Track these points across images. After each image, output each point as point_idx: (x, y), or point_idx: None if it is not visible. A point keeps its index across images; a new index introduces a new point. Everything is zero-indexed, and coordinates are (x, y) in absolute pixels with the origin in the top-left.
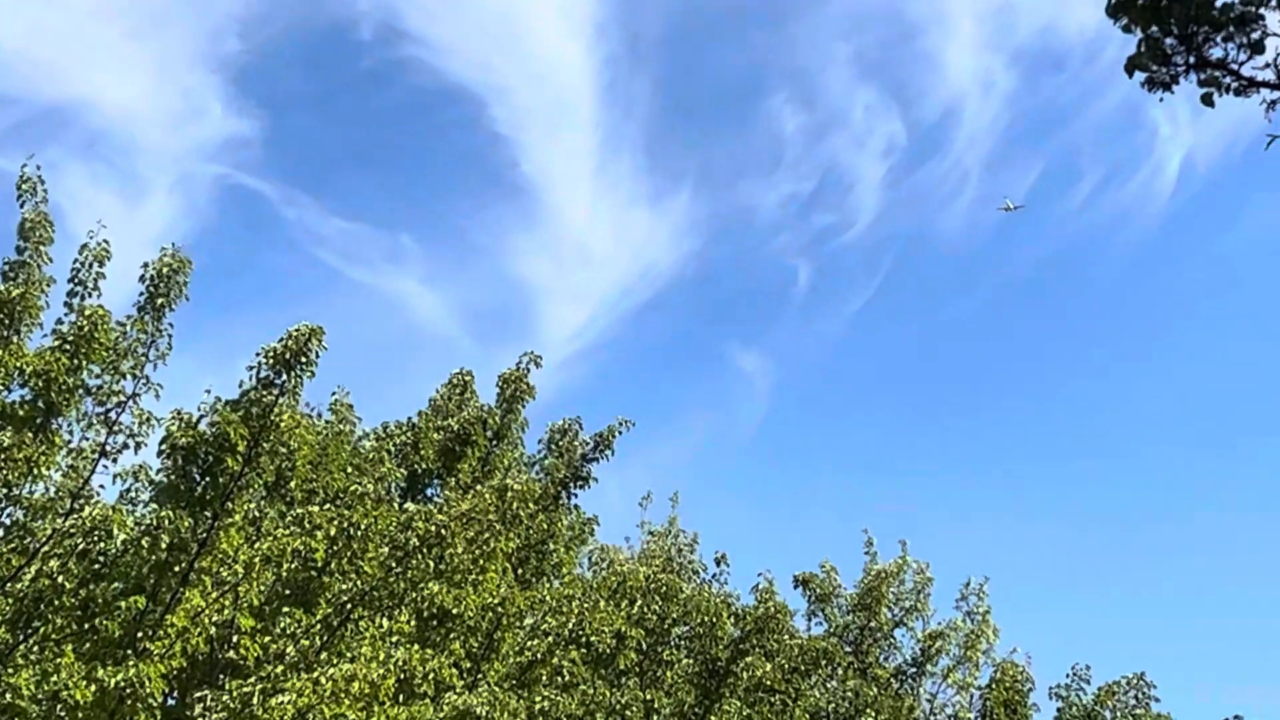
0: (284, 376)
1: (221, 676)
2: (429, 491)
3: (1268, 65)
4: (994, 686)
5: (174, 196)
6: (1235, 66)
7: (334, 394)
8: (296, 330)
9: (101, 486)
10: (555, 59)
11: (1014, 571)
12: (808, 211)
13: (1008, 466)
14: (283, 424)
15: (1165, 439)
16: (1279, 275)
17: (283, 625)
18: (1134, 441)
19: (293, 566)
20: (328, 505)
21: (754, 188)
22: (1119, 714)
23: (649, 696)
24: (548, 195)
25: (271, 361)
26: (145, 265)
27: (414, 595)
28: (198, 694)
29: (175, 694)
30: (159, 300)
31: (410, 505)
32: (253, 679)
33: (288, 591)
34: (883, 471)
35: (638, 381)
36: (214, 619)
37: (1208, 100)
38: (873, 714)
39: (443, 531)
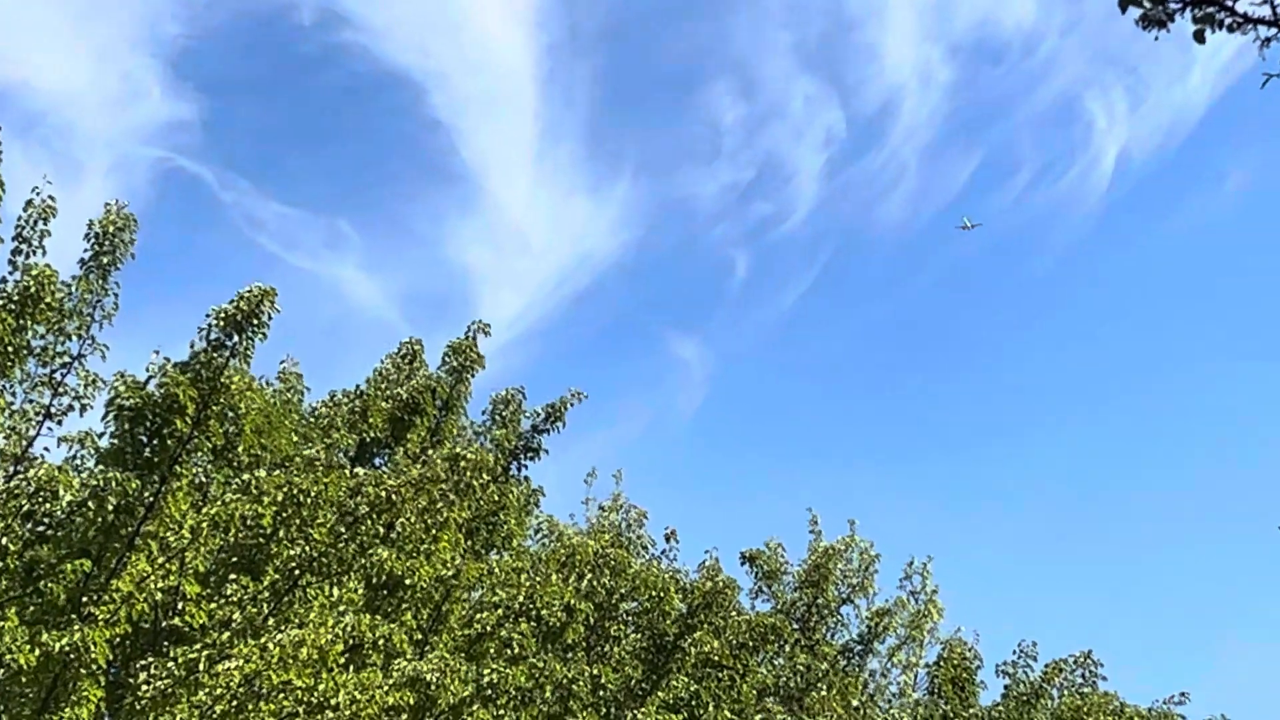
0: (235, 338)
1: (166, 644)
2: (377, 461)
3: (1264, 1)
4: (941, 664)
5: (111, 180)
6: (1231, 3)
7: (282, 362)
8: (248, 291)
9: (46, 449)
10: (495, 46)
11: (959, 551)
12: (746, 201)
13: (948, 451)
14: (233, 387)
15: (1103, 421)
16: (1211, 269)
17: (230, 592)
18: (1073, 424)
19: (240, 533)
20: (276, 471)
21: (693, 177)
22: (1066, 691)
23: (596, 671)
24: (487, 182)
25: (222, 323)
26: (90, 223)
27: (364, 562)
28: (141, 662)
29: (119, 662)
30: (104, 259)
31: (360, 470)
32: (199, 646)
33: (235, 558)
34: (823, 458)
35: (575, 369)
36: (160, 585)
37: (1199, 37)
38: (822, 689)
39: (393, 498)
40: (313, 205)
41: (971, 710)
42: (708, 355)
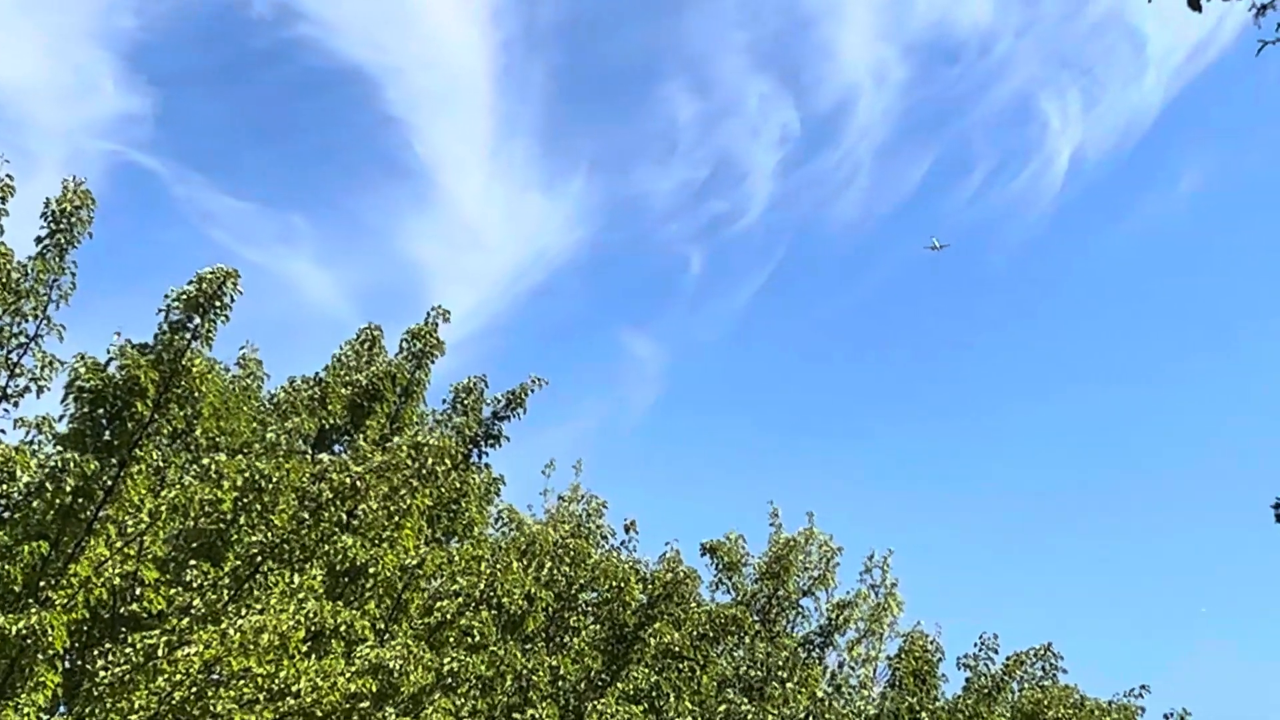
0: (196, 320)
1: (124, 631)
2: (337, 448)
3: None
4: (903, 657)
5: (64, 173)
6: None
7: (242, 348)
8: (210, 273)
9: (1, 431)
10: (450, 41)
11: (920, 545)
12: (701, 199)
13: (906, 446)
14: (194, 370)
15: (1060, 417)
16: (1163, 270)
17: (189, 578)
18: (1029, 420)
19: (200, 518)
20: (236, 455)
21: (648, 174)
22: (1027, 684)
23: (555, 663)
24: (441, 178)
25: (182, 305)
26: (47, 201)
27: (327, 549)
28: (100, 649)
29: (76, 648)
30: (61, 238)
31: (325, 456)
32: (157, 632)
33: (195, 544)
34: (781, 453)
35: (529, 366)
36: (118, 570)
37: (1195, 5)
38: (782, 677)
39: (357, 484)
40: (266, 199)
41: (937, 704)
42: (662, 352)
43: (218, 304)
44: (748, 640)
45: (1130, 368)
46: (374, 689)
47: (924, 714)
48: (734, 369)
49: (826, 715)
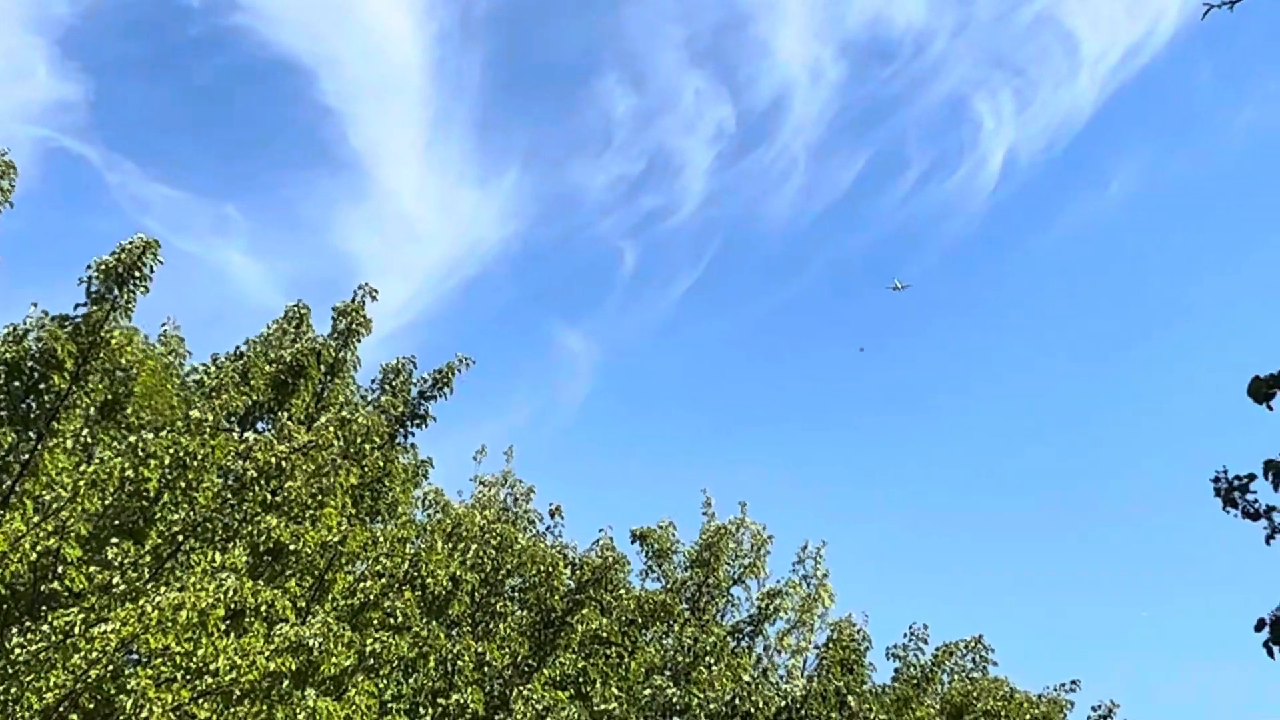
0: (116, 292)
1: (43, 609)
2: (260, 425)
3: None
4: (831, 646)
5: None
6: None
7: (163, 324)
8: (130, 243)
9: None
10: (386, 33)
11: (851, 538)
12: (635, 194)
13: (837, 439)
14: (114, 342)
15: (984, 414)
16: (1093, 271)
17: (110, 555)
18: (955, 416)
19: (123, 494)
20: (163, 432)
21: (582, 169)
22: (956, 675)
23: (481, 648)
24: (376, 170)
25: (103, 276)
26: None
27: (249, 529)
28: (17, 626)
29: None
30: None
31: (250, 435)
32: (75, 609)
33: (116, 521)
34: (713, 446)
35: None
36: (37, 545)
37: None
38: (710, 661)
39: (283, 463)
40: (200, 189)
41: (866, 687)
42: (595, 346)
43: (137, 274)
44: (676, 627)
45: (1062, 365)
46: (294, 668)
47: (851, 698)
48: (666, 363)
49: (753, 698)
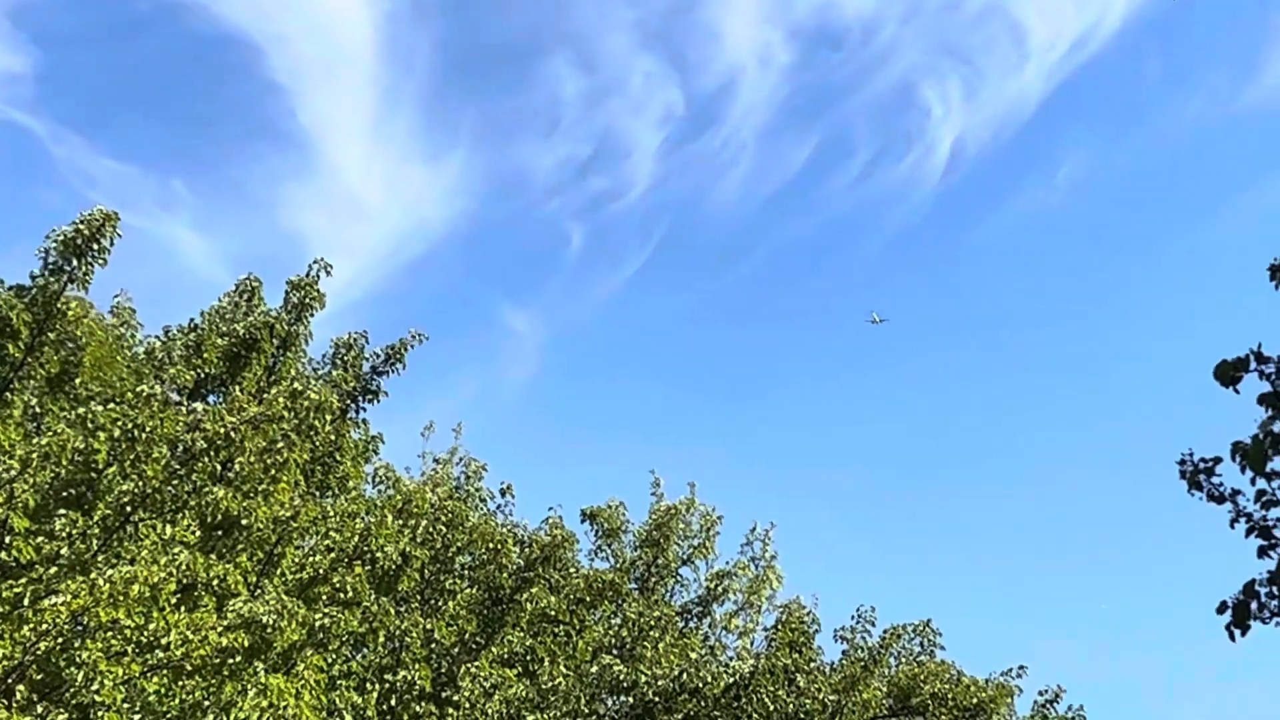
0: (74, 263)
1: None
2: (212, 399)
3: None
4: (779, 627)
5: None
6: None
7: (116, 296)
8: (89, 215)
9: None
10: (335, 10)
11: (799, 521)
12: (583, 175)
13: (783, 421)
14: (70, 313)
15: (939, 399)
16: (1037, 259)
17: (58, 526)
18: (906, 401)
19: (72, 466)
20: (111, 405)
21: (531, 149)
22: (903, 659)
23: (429, 625)
24: (323, 147)
25: (62, 247)
26: None
27: (199, 501)
28: None
29: None
30: None
31: (199, 406)
32: (23, 580)
33: (65, 492)
34: (659, 428)
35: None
36: None
37: None
38: (656, 636)
39: (232, 435)
40: (146, 163)
41: (814, 664)
42: (541, 326)
43: (95, 247)
44: (624, 605)
45: (1012, 351)
46: (246, 643)
47: (799, 676)
48: (613, 345)
49: (701, 675)
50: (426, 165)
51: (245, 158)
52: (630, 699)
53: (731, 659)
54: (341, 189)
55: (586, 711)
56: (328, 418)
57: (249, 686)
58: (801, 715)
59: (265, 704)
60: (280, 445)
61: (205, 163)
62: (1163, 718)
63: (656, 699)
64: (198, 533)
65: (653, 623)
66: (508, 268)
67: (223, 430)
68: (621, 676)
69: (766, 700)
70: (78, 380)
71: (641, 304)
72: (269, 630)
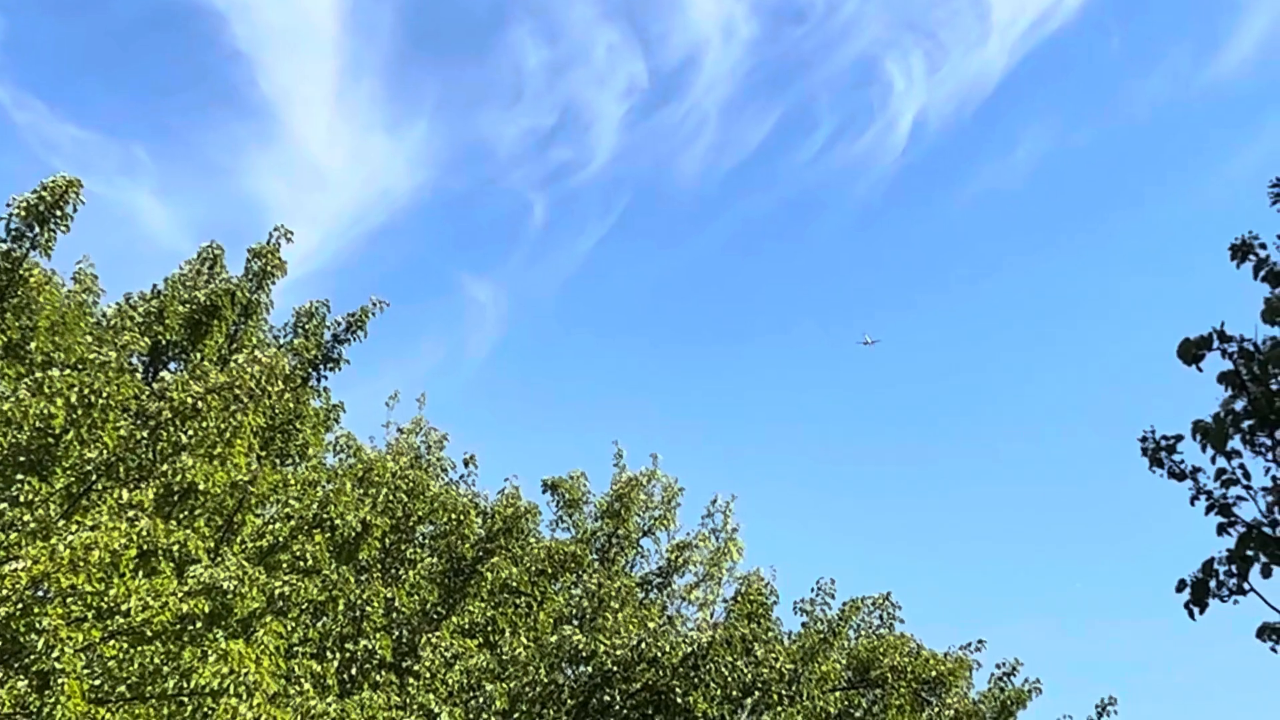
0: (37, 230)
1: None
2: (172, 366)
3: None
4: (738, 599)
5: None
6: None
7: (78, 263)
8: (53, 181)
9: None
10: None
11: (763, 493)
12: (546, 146)
13: (746, 396)
14: (32, 280)
15: (899, 374)
16: (996, 236)
17: (16, 491)
18: (867, 375)
19: (30, 432)
20: (69, 371)
21: (494, 120)
22: (863, 632)
23: (390, 594)
24: (285, 115)
25: (23, 213)
26: None
27: (164, 468)
28: None
29: None
30: None
31: (166, 374)
32: None
33: (23, 458)
34: (621, 399)
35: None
36: None
37: None
38: (615, 606)
39: (199, 404)
40: (108, 129)
41: (771, 634)
42: (503, 297)
43: (59, 213)
44: (585, 576)
45: (976, 326)
46: (207, 609)
47: (758, 645)
48: (575, 317)
49: (659, 644)
50: (389, 134)
51: (207, 125)
52: (589, 669)
53: (693, 629)
54: (303, 158)
55: (545, 680)
56: (281, 382)
57: (210, 652)
58: (759, 684)
59: (225, 670)
60: (234, 410)
61: (167, 130)
62: (1119, 692)
63: (615, 668)
64: (153, 498)
65: (613, 593)
66: (470, 238)
67: (190, 400)
68: (580, 646)
69: (724, 670)
70: (33, 345)
71: (604, 275)
72: (229, 596)
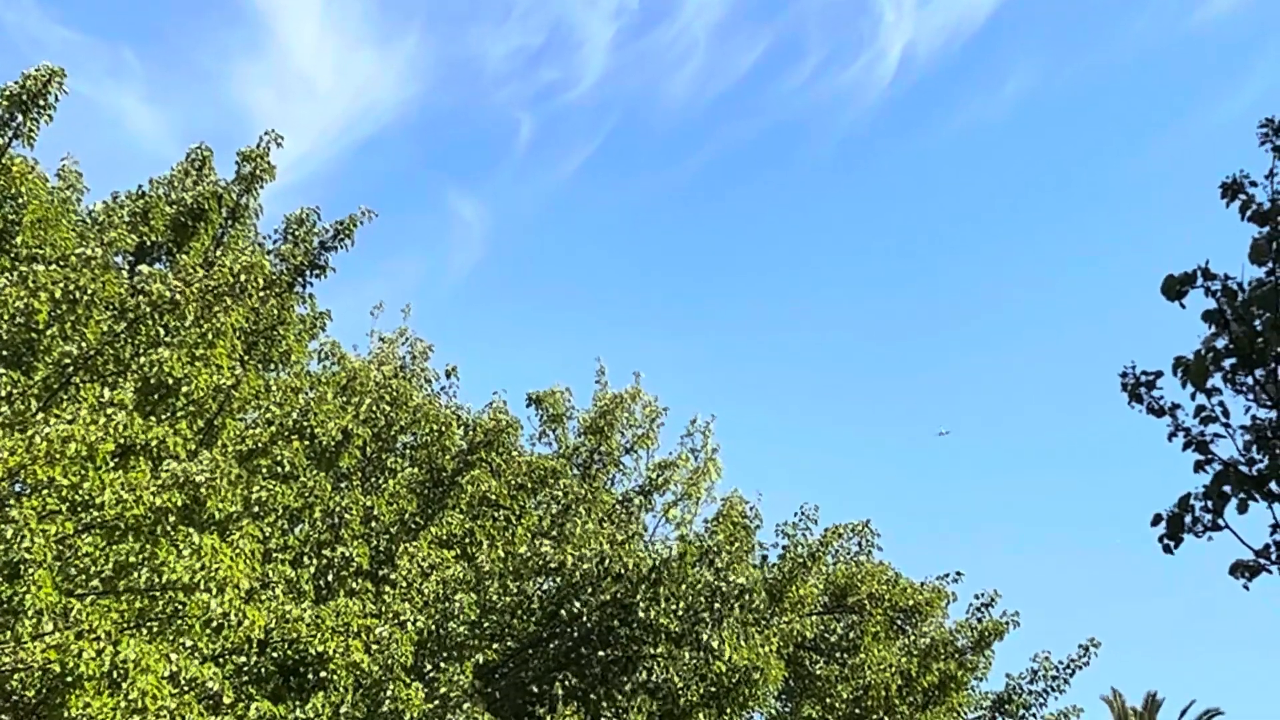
0: (19, 119)
1: None
2: (158, 265)
3: None
4: (720, 520)
5: None
6: None
7: (63, 159)
8: (36, 70)
9: None
10: None
11: (747, 417)
12: (534, 65)
13: (729, 321)
14: (14, 170)
15: (882, 307)
16: (982, 170)
17: None
18: (852, 307)
19: (12, 325)
20: (53, 266)
21: (482, 36)
22: (841, 558)
23: (369, 502)
24: (274, 24)
25: (6, 102)
26: None
27: (142, 361)
28: None
29: None
30: None
31: (144, 268)
32: None
33: (4, 351)
34: (603, 319)
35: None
36: None
37: None
38: (582, 513)
39: (177, 298)
40: (97, 30)
41: (739, 548)
42: (488, 214)
43: (41, 103)
44: (552, 484)
45: (960, 260)
46: (180, 503)
47: (719, 556)
48: (559, 235)
49: (625, 559)
50: (377, 48)
51: (196, 31)
52: (558, 580)
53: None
54: (292, 68)
55: (515, 591)
56: (262, 281)
57: (184, 548)
58: (720, 596)
59: (198, 565)
60: (216, 310)
61: (156, 34)
62: (1095, 624)
63: (581, 580)
64: (134, 396)
65: (580, 498)
66: (456, 154)
67: (167, 294)
68: (549, 558)
69: (690, 578)
70: (18, 239)
71: (589, 195)
72: (203, 490)
